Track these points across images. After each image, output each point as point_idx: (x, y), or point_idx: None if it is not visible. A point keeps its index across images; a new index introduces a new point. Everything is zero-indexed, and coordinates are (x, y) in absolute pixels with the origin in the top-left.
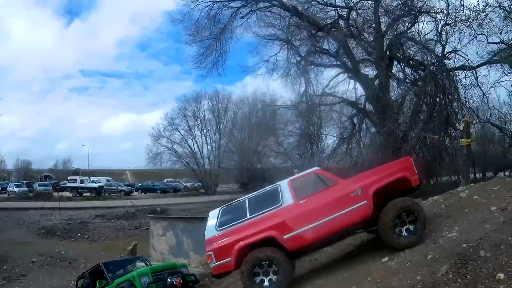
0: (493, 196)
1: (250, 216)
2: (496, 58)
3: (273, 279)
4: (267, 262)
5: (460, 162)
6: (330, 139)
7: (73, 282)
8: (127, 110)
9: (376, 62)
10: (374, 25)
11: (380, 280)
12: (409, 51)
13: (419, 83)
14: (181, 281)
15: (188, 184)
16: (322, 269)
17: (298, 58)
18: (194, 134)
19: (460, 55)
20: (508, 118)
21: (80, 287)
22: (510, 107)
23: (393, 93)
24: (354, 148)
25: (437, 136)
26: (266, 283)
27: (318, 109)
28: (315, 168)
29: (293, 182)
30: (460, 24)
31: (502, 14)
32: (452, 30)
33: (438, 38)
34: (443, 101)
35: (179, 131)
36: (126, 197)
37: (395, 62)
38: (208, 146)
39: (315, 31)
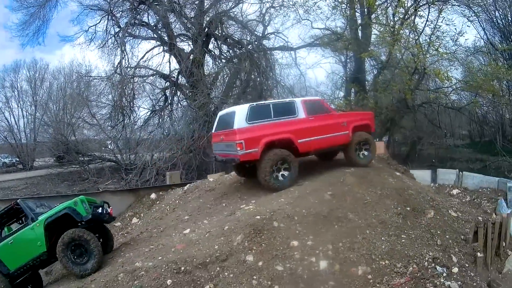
0: None
1: (274, 118)
2: (318, 42)
3: (285, 175)
4: (282, 161)
5: None
6: (142, 111)
7: None
8: None
9: (193, 37)
10: (197, 2)
11: (182, 251)
12: (228, 29)
13: (234, 60)
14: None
15: (6, 160)
16: (132, 244)
17: (117, 29)
18: (11, 107)
19: (281, 37)
20: (324, 97)
21: None
22: (327, 87)
23: (207, 68)
24: (165, 120)
25: None
26: (280, 177)
27: (131, 81)
28: (318, 97)
29: (305, 102)
30: (286, 8)
31: (332, 3)
32: (276, 13)
33: (261, 19)
34: (258, 78)
35: None
36: None
37: (212, 39)
38: (25, 119)
39: (138, 4)
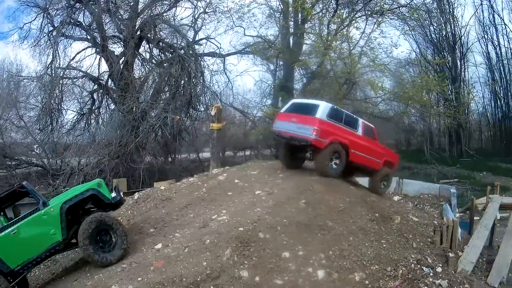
0: (254, 180)
1: (344, 125)
2: (249, 49)
3: (337, 163)
4: (337, 154)
5: (210, 145)
6: (70, 114)
7: None
8: None
9: (125, 39)
10: (132, 4)
11: (165, 269)
12: (161, 33)
13: (165, 64)
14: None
15: None
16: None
17: (51, 28)
18: None
19: (213, 43)
20: (252, 104)
21: None
22: (255, 94)
23: (137, 72)
24: (92, 125)
25: (178, 117)
26: (333, 165)
27: (61, 83)
28: (372, 125)
29: (364, 123)
30: (220, 14)
31: (268, 11)
32: (210, 18)
33: (193, 24)
34: (188, 84)
35: None
36: None
37: (144, 42)
38: None
39: (74, 2)
